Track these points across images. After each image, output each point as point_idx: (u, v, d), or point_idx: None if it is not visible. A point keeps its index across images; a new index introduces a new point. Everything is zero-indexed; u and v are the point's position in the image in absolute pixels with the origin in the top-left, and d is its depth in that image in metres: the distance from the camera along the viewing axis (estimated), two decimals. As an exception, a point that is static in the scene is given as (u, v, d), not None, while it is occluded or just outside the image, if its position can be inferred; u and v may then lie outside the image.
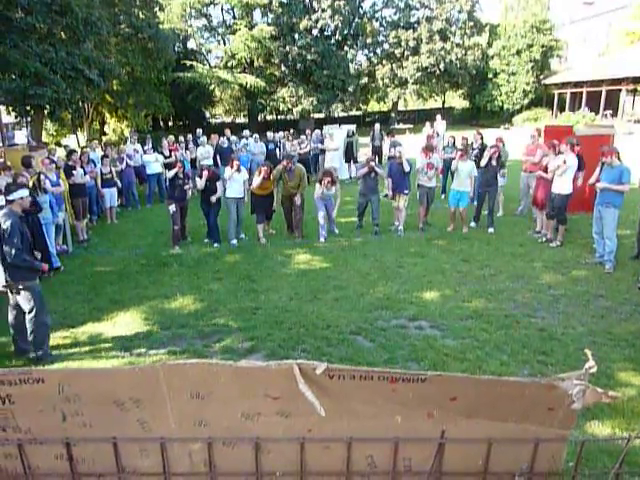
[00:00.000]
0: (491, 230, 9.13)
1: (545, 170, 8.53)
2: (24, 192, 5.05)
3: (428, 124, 18.10)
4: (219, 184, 8.82)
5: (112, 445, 1.19)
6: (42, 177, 7.75)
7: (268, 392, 1.17)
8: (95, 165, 10.83)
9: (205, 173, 8.62)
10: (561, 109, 30.67)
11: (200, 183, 8.63)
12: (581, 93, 29.52)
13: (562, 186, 8.01)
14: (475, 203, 10.04)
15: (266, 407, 1.20)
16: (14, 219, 4.77)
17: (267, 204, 9.13)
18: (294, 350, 5.10)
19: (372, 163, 9.07)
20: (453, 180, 9.50)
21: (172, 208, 8.61)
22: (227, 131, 15.48)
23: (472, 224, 9.50)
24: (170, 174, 8.74)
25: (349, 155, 15.00)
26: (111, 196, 10.96)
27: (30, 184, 7.59)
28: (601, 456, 3.34)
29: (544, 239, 8.52)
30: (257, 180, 8.76)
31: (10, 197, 4.89)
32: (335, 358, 4.92)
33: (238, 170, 8.77)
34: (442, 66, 31.97)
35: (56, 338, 5.53)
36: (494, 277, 6.98)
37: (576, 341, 5.10)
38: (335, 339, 5.33)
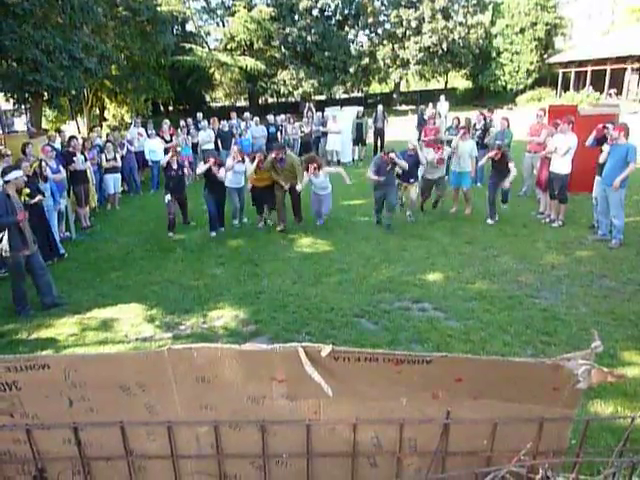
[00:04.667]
0: (490, 222, 8.52)
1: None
2: (18, 173, 5.78)
3: (431, 105, 17.92)
4: (222, 171, 8.41)
5: (119, 429, 1.20)
6: (43, 164, 7.74)
7: (274, 375, 1.17)
8: (101, 151, 10.78)
9: (211, 160, 8.29)
10: (565, 88, 30.26)
11: (201, 168, 8.37)
12: (585, 72, 29.10)
13: (561, 166, 7.98)
14: (478, 184, 9.98)
15: (272, 390, 1.20)
16: (2, 196, 5.54)
17: (267, 196, 8.74)
18: (298, 333, 5.13)
19: (392, 154, 8.16)
20: (452, 160, 9.32)
21: (167, 197, 8.50)
22: (233, 114, 15.35)
23: (489, 221, 8.52)
24: (163, 161, 8.49)
25: (359, 137, 14.88)
26: (115, 182, 10.93)
27: (31, 172, 7.60)
28: (604, 434, 3.37)
29: (547, 220, 8.49)
30: (251, 168, 8.35)
31: (6, 178, 5.64)
32: (339, 341, 4.95)
33: (242, 161, 8.58)
34: (445, 46, 31.49)
35: (62, 325, 5.58)
36: (497, 258, 6.97)
37: (579, 321, 5.11)
38: (339, 322, 5.35)
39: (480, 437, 1.24)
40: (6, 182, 5.69)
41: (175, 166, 8.51)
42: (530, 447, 1.20)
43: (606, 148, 7.51)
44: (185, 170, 8.87)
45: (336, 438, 1.25)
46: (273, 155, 8.31)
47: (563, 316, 5.23)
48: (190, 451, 1.26)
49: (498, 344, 4.75)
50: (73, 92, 17.09)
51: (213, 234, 8.57)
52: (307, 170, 8.40)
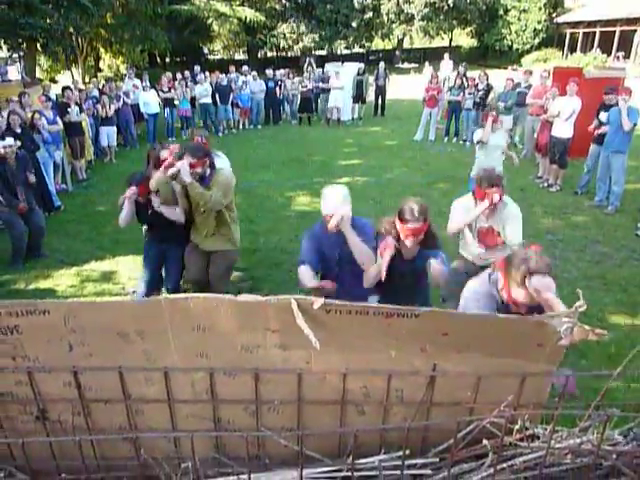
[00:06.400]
0: None
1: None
2: None
3: (427, 64, 17.60)
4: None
5: (118, 374, 1.25)
6: (37, 115, 7.60)
7: (267, 325, 1.22)
8: (97, 102, 10.57)
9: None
10: (572, 50, 29.56)
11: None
12: (594, 33, 28.35)
13: (563, 130, 7.93)
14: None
15: (265, 340, 1.25)
16: None
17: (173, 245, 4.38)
18: (293, 291, 5.18)
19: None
20: (476, 155, 6.73)
21: (145, 228, 4.67)
22: (231, 68, 14.98)
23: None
24: (126, 198, 3.99)
25: (359, 94, 14.61)
26: (109, 134, 10.77)
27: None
28: (587, 393, 3.49)
29: (546, 184, 8.49)
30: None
31: None
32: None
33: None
34: (451, 1, 30.49)
35: (60, 276, 5.63)
36: (493, 221, 7.00)
37: (570, 285, 5.19)
38: (334, 280, 5.41)
39: (464, 389, 1.30)
40: None
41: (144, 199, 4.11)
42: (511, 400, 1.26)
43: (604, 116, 7.43)
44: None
45: (326, 387, 1.31)
46: (182, 166, 3.79)
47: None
48: (185, 396, 1.32)
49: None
50: (68, 38, 16.56)
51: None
52: None
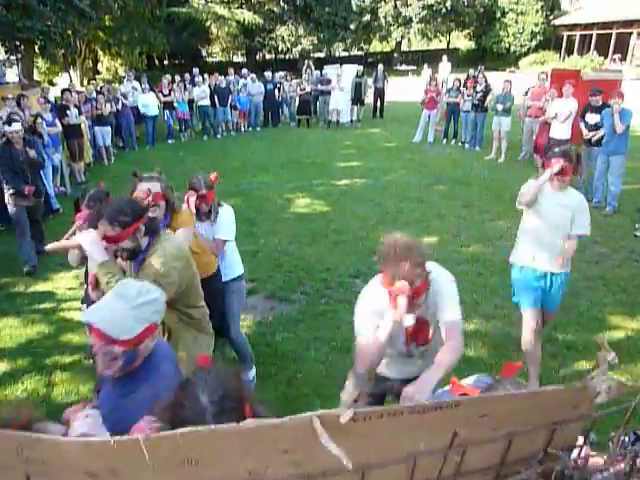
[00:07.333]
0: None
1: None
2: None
3: (426, 66, 17.66)
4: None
5: None
6: (39, 120, 7.60)
7: (277, 447, 1.04)
8: (96, 103, 10.53)
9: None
10: (569, 52, 29.68)
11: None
12: (591, 35, 28.46)
13: (561, 131, 7.97)
14: (477, 148, 9.81)
15: (276, 461, 1.06)
16: None
17: None
18: (294, 292, 5.20)
19: None
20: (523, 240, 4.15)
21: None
22: (230, 70, 14.96)
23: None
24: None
25: (358, 96, 14.64)
26: (103, 135, 10.59)
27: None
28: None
29: (544, 186, 8.51)
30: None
31: None
32: (334, 300, 5.04)
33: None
34: (448, 4, 30.58)
35: (59, 279, 5.62)
36: (493, 223, 7.02)
37: (570, 286, 5.16)
38: (334, 282, 5.42)
39: (493, 455, 1.20)
40: None
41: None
42: (539, 453, 1.18)
43: (593, 117, 7.45)
44: None
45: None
46: (93, 235, 2.43)
47: (554, 280, 5.32)
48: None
49: (489, 307, 4.86)
50: (66, 40, 16.54)
51: None
52: None
